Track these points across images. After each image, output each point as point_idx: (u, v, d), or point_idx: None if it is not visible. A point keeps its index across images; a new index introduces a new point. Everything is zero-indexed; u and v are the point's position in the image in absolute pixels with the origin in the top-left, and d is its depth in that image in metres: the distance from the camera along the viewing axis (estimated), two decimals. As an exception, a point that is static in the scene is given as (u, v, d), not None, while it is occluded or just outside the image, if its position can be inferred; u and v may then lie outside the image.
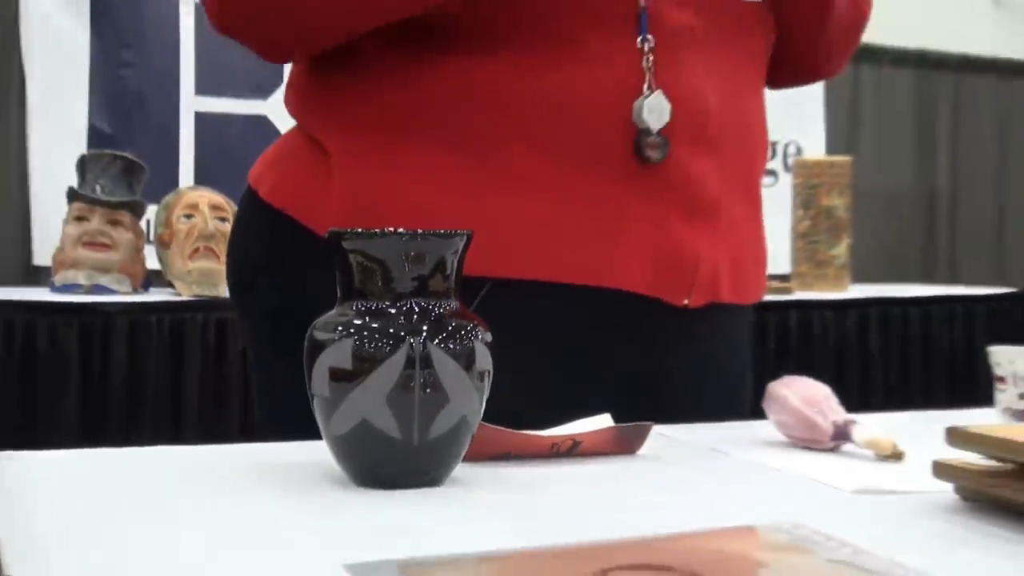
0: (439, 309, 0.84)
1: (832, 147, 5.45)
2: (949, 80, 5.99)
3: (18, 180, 3.96)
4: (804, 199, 4.23)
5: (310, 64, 1.31)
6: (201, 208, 3.45)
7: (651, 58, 1.18)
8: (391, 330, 0.81)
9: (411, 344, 0.80)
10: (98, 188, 3.41)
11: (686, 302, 1.22)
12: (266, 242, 1.34)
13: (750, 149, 1.33)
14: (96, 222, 3.39)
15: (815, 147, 5.44)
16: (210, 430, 3.09)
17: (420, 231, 0.85)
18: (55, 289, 3.36)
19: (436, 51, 1.20)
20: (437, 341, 0.81)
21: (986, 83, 6.11)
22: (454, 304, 0.85)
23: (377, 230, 0.85)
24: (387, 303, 0.83)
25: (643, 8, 1.18)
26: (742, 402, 1.39)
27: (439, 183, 1.19)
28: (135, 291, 3.43)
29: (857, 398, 3.83)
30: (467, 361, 0.82)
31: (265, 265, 1.35)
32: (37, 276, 3.84)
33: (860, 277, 4.59)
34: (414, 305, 0.83)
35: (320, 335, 0.83)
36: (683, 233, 1.21)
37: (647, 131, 1.16)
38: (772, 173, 5.27)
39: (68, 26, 4.01)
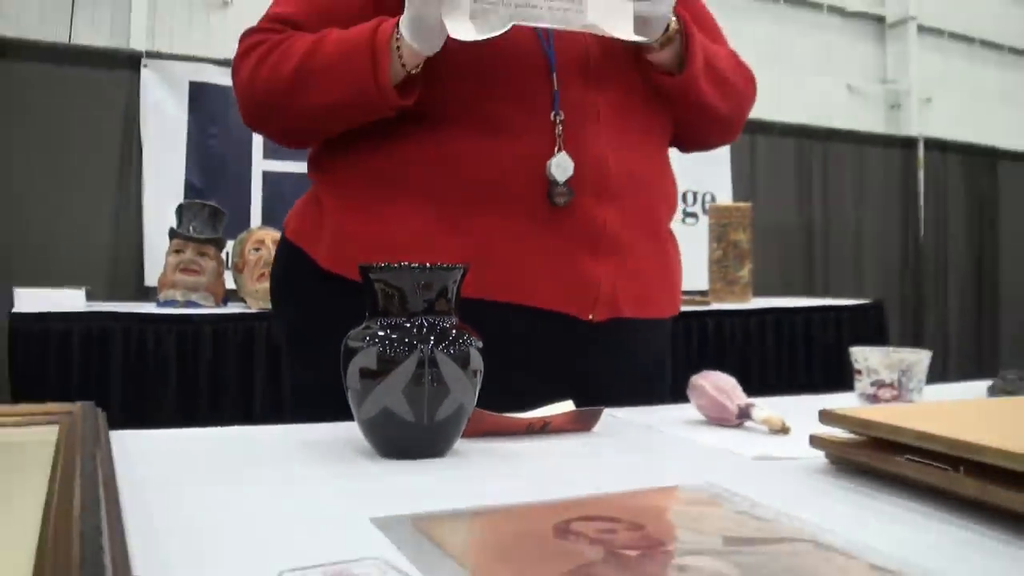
0: (443, 323, 0.83)
1: (737, 195, 5.47)
2: (819, 146, 6.05)
3: (135, 222, 3.95)
4: (717, 234, 4.22)
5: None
6: (266, 242, 3.43)
7: (561, 128, 1.18)
8: (407, 340, 0.80)
9: (421, 350, 0.80)
10: (191, 228, 3.40)
11: (591, 317, 1.22)
12: (286, 267, 1.35)
13: (651, 199, 1.30)
14: (189, 253, 3.38)
15: (724, 195, 5.46)
16: (274, 411, 3.07)
17: (429, 265, 0.85)
18: (159, 304, 3.34)
19: (400, 128, 1.21)
20: (441, 348, 0.81)
21: (845, 148, 6.19)
22: (454, 319, 0.85)
23: (396, 264, 0.85)
24: (403, 319, 0.82)
25: (556, 91, 1.19)
26: (655, 392, 1.36)
27: (400, 227, 1.19)
28: (217, 305, 3.41)
29: (757, 384, 3.83)
30: (463, 362, 0.82)
31: (284, 284, 1.37)
32: (147, 294, 3.82)
33: (759, 292, 4.59)
34: (424, 321, 0.82)
35: (353, 343, 0.83)
36: (587, 263, 1.20)
37: (555, 183, 1.17)
38: (693, 215, 5.29)
39: (173, 109, 4.03)
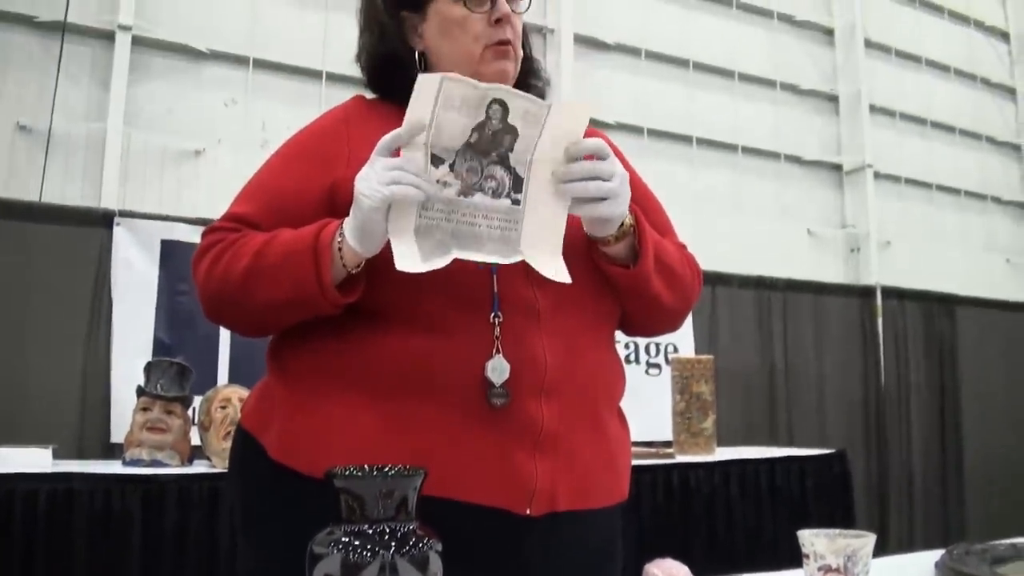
0: (403, 528, 0.90)
1: (699, 345, 5.57)
2: (779, 296, 6.19)
3: (104, 378, 3.98)
4: (680, 386, 4.30)
5: None
6: (232, 400, 3.47)
7: (498, 330, 1.24)
8: (369, 546, 0.88)
9: (383, 556, 0.86)
10: (158, 386, 3.46)
11: (528, 512, 1.26)
12: (241, 450, 1.42)
13: (592, 392, 1.35)
14: (156, 412, 3.42)
15: (686, 345, 5.55)
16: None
17: (391, 472, 0.92)
18: (125, 463, 3.36)
19: (344, 324, 1.28)
20: (402, 553, 0.87)
21: (805, 297, 6.33)
22: (413, 524, 0.91)
23: (360, 473, 0.91)
24: (366, 525, 0.89)
25: (496, 293, 1.26)
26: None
27: (343, 423, 1.26)
28: (183, 464, 3.42)
29: (723, 538, 3.86)
30: (422, 566, 0.89)
31: (238, 466, 1.43)
32: (113, 451, 3.81)
33: (724, 441, 4.64)
34: (385, 527, 0.89)
35: (318, 549, 0.89)
36: (523, 460, 1.25)
37: (492, 385, 1.23)
38: (656, 366, 5.37)
39: (144, 266, 4.11)
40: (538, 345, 1.27)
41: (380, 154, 1.19)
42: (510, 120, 1.19)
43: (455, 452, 1.23)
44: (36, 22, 4.73)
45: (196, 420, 3.59)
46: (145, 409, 3.43)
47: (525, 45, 1.49)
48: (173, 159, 5.00)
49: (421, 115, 1.16)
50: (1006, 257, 8.24)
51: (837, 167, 7.50)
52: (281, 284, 1.24)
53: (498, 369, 1.23)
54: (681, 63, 6.83)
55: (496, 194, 1.21)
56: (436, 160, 1.19)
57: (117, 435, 3.80)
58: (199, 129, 5.14)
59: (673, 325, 1.53)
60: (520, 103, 1.20)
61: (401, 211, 1.17)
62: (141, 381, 3.51)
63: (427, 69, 1.42)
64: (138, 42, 4.98)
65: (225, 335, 4.17)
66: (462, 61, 1.39)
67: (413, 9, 1.44)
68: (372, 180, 1.16)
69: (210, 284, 1.32)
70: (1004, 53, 8.73)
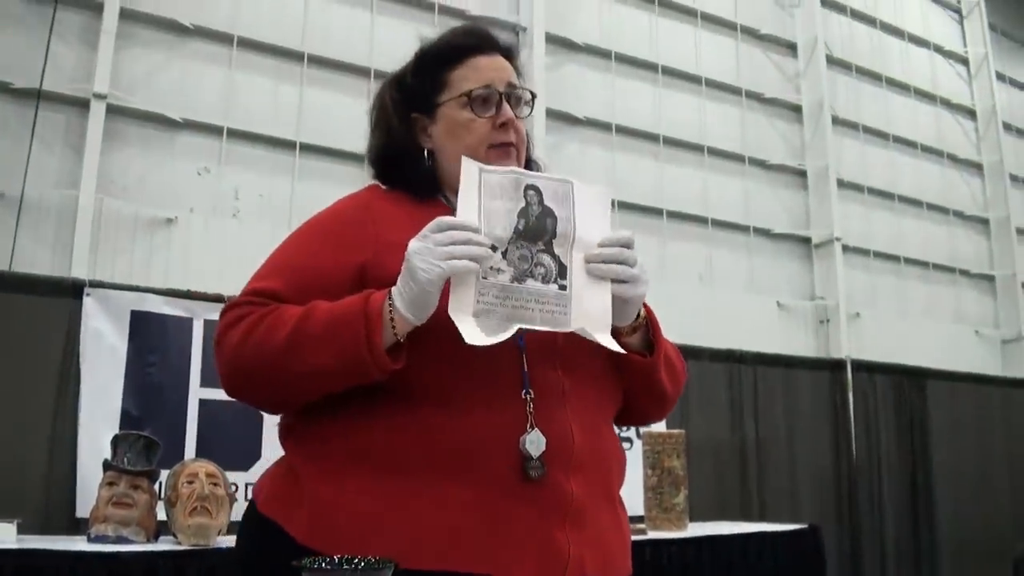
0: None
1: (670, 419, 5.58)
2: (749, 370, 6.25)
3: (70, 451, 3.93)
4: (652, 461, 4.33)
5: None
6: (200, 476, 3.44)
7: (532, 406, 1.30)
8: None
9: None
10: (125, 460, 3.42)
11: None
12: (257, 540, 1.40)
13: (606, 468, 1.42)
14: (122, 486, 3.38)
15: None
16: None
17: (360, 563, 0.93)
18: (91, 539, 3.31)
19: (375, 402, 1.31)
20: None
21: (775, 371, 6.39)
22: None
23: (327, 565, 0.92)
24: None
25: (526, 372, 1.31)
26: None
27: (378, 499, 1.27)
28: (149, 540, 3.38)
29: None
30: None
31: (255, 558, 1.40)
32: (79, 526, 3.76)
33: (696, 515, 4.66)
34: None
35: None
36: (558, 534, 1.29)
37: (529, 457, 1.28)
38: (628, 440, 5.38)
39: (113, 339, 4.09)
40: (566, 422, 1.33)
41: (432, 231, 1.26)
42: (546, 202, 1.30)
43: (491, 526, 1.26)
44: (11, 89, 4.77)
45: (163, 495, 3.56)
46: (111, 483, 3.39)
47: (528, 148, 1.60)
48: (145, 227, 5.02)
49: (471, 207, 1.26)
50: (975, 328, 8.39)
51: (806, 240, 7.64)
52: (328, 350, 1.27)
53: (535, 442, 1.28)
54: (651, 137, 6.98)
55: (545, 280, 1.28)
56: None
57: (83, 509, 3.76)
58: (172, 197, 5.18)
59: (664, 414, 1.62)
60: (548, 184, 1.31)
61: (461, 291, 1.24)
62: (108, 454, 3.48)
63: (434, 166, 1.52)
64: (113, 110, 5.03)
65: (193, 408, 4.16)
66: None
67: (423, 111, 1.54)
68: (428, 255, 1.23)
69: (242, 354, 1.33)
70: (971, 129, 8.99)
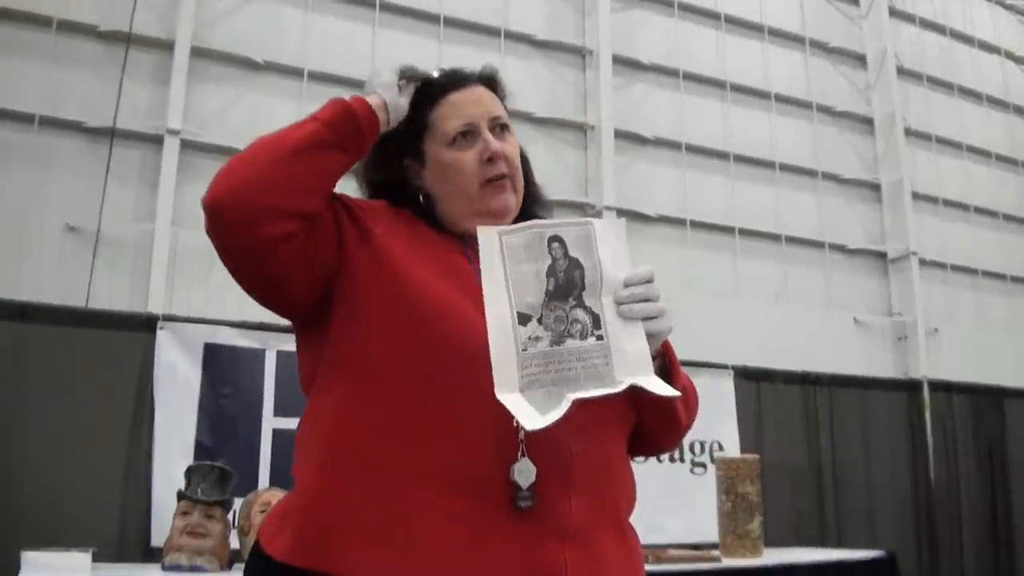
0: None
1: (744, 443, 5.51)
2: (825, 392, 6.12)
3: (145, 482, 4.02)
4: (726, 487, 4.27)
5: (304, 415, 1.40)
6: (273, 504, 3.47)
7: (522, 433, 1.25)
8: None
9: None
10: (199, 491, 3.48)
11: None
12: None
13: (612, 492, 1.38)
14: (196, 516, 3.44)
15: (732, 443, 5.50)
16: None
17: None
18: (165, 568, 3.38)
19: (370, 419, 1.29)
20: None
21: (851, 392, 6.25)
22: None
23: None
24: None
25: None
26: None
27: (363, 514, 1.25)
28: (222, 569, 3.43)
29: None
30: None
31: None
32: (153, 555, 3.83)
33: (771, 541, 4.58)
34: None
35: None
36: (553, 551, 1.26)
37: (518, 487, 1.25)
38: (702, 465, 5.32)
39: (186, 370, 4.16)
40: (566, 443, 1.30)
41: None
42: (571, 253, 1.27)
43: (482, 550, 1.24)
44: (85, 128, 4.90)
45: (236, 524, 3.61)
46: (185, 513, 3.46)
47: (526, 172, 1.57)
48: (218, 259, 5.11)
49: (497, 279, 1.25)
50: (1056, 342, 8.14)
51: (882, 255, 7.48)
52: (305, 125, 1.34)
53: (524, 472, 1.25)
54: (722, 155, 6.91)
55: (583, 336, 1.26)
56: (523, 318, 1.25)
57: (157, 539, 3.83)
58: (244, 228, 5.26)
59: (676, 444, 1.60)
60: (570, 232, 1.28)
61: (504, 370, 1.22)
62: (182, 484, 3.55)
63: (432, 209, 1.50)
64: (186, 145, 5.13)
65: (267, 438, 4.22)
66: (462, 200, 1.47)
67: (414, 157, 1.52)
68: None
69: (224, 171, 1.30)
70: (1045, 136, 8.73)
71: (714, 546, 4.30)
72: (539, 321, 1.25)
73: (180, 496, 3.52)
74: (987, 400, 6.84)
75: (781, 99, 7.29)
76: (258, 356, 4.26)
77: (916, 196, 7.58)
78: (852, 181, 7.49)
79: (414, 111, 1.49)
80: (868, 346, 7.05)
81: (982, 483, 6.64)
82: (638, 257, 1.31)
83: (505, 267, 1.25)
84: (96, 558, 3.39)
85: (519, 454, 1.26)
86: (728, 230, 6.77)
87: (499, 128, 1.51)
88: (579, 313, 1.27)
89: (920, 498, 6.34)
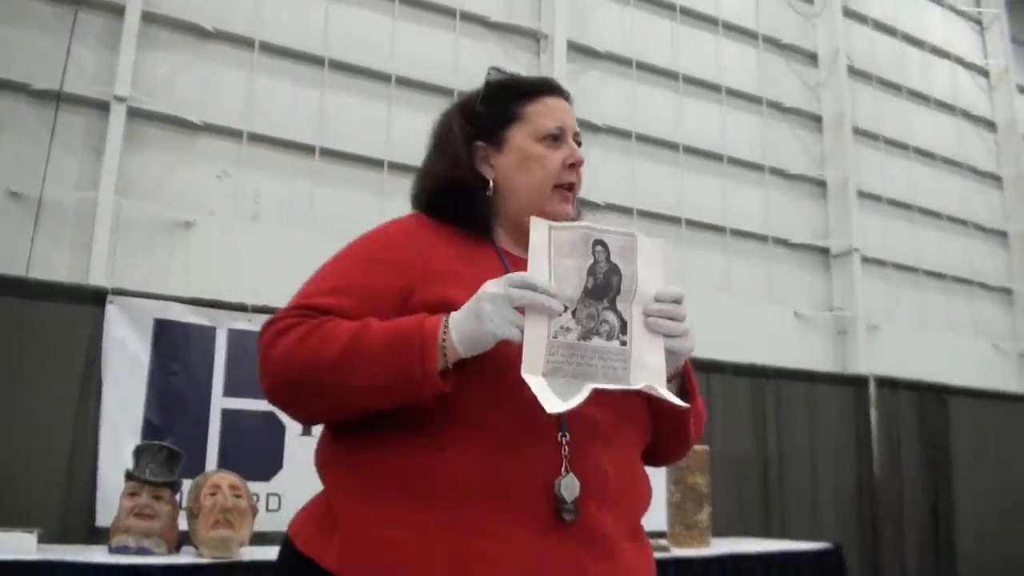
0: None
1: (694, 435, 5.55)
2: (772, 385, 6.20)
3: (91, 461, 3.88)
4: (675, 477, 4.30)
5: (332, 433, 1.42)
6: (222, 487, 3.41)
7: (567, 448, 1.31)
8: None
9: None
10: (147, 471, 3.40)
11: None
12: (292, 569, 1.39)
13: (636, 501, 1.44)
14: (144, 497, 3.36)
15: (680, 434, 5.51)
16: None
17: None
18: (112, 550, 3.29)
19: (413, 436, 1.32)
20: None
21: (797, 387, 6.33)
22: None
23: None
24: None
25: (563, 414, 1.29)
26: None
27: (409, 531, 1.28)
28: (170, 551, 3.36)
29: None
30: None
31: None
32: (98, 535, 3.73)
33: (718, 532, 4.62)
34: None
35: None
36: (589, 565, 1.29)
37: (564, 501, 1.29)
38: (650, 454, 5.35)
39: (135, 346, 4.04)
40: (602, 457, 1.35)
41: (513, 284, 1.26)
42: (612, 259, 1.33)
43: (525, 562, 1.27)
44: (31, 90, 4.75)
45: (184, 505, 3.54)
46: (133, 494, 3.37)
47: None
48: (164, 230, 5.01)
49: (542, 266, 1.29)
50: (993, 342, 8.35)
51: (824, 250, 7.60)
52: (382, 366, 1.27)
53: (569, 487, 1.30)
54: (672, 146, 6.96)
55: (609, 337, 1.31)
56: None
57: (103, 519, 3.73)
58: (191, 201, 5.17)
59: (681, 458, 1.65)
60: (615, 240, 1.33)
61: (533, 352, 1.27)
62: (129, 464, 3.46)
63: (496, 196, 1.53)
64: (133, 113, 5.01)
65: (216, 418, 4.12)
66: (532, 194, 1.52)
67: (490, 141, 1.55)
68: (503, 307, 1.25)
69: (293, 362, 1.32)
70: (991, 142, 8.95)
71: (662, 535, 4.33)
72: (573, 314, 1.29)
73: (128, 476, 3.43)
74: (932, 397, 6.98)
75: (732, 93, 7.37)
76: (209, 334, 4.16)
77: (861, 194, 7.73)
78: (799, 177, 7.60)
79: (505, 100, 1.54)
80: (808, 340, 7.19)
81: (925, 479, 6.78)
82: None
83: (550, 258, 1.30)
84: (41, 539, 3.29)
85: (563, 469, 1.30)
86: (675, 221, 6.83)
87: (577, 144, 1.58)
88: (610, 315, 1.32)
89: (863, 492, 6.46)
